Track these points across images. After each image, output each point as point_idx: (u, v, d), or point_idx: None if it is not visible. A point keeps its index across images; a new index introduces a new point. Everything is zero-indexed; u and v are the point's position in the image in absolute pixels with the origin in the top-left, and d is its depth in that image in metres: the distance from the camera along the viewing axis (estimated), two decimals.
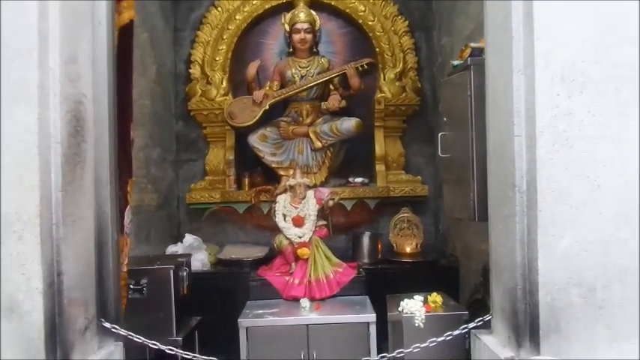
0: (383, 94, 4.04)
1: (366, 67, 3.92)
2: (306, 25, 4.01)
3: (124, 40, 1.94)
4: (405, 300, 2.44)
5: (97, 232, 1.77)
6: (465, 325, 1.93)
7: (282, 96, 3.95)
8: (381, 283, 3.29)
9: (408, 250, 3.65)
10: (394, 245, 3.74)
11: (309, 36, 4.02)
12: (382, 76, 4.11)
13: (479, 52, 2.29)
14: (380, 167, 4.00)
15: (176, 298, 2.78)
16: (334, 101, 3.90)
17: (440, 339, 1.92)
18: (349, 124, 3.80)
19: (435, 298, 2.49)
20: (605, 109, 1.64)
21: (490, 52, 1.92)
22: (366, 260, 3.61)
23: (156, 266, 2.80)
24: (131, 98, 2.06)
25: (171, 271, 2.76)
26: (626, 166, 1.64)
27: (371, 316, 2.79)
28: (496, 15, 1.85)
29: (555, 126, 1.62)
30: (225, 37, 4.21)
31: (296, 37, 4.04)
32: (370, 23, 4.16)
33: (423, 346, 1.92)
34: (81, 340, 1.66)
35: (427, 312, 2.37)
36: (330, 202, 3.53)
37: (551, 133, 1.62)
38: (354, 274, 3.26)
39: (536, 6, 1.64)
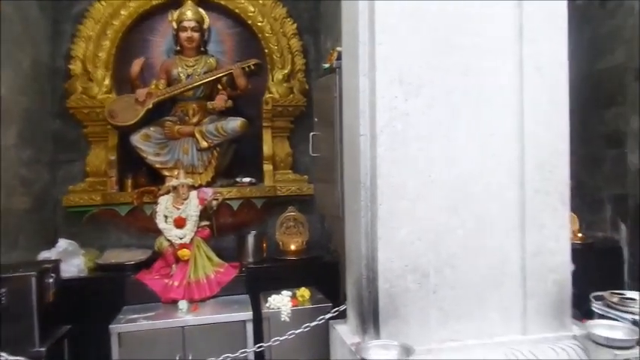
0: (271, 95, 4.08)
1: (252, 67, 3.94)
2: (193, 24, 3.95)
3: None
4: (273, 296, 2.49)
5: None
6: (322, 316, 2.01)
7: (167, 95, 3.86)
8: (264, 281, 3.32)
9: (293, 247, 3.72)
10: (280, 244, 3.79)
11: (196, 34, 3.96)
12: (271, 77, 4.16)
13: None
14: (267, 167, 4.04)
15: (39, 306, 2.63)
16: (220, 101, 3.88)
17: (298, 331, 1.98)
18: (235, 124, 3.80)
19: (303, 292, 2.57)
20: (438, 110, 1.80)
21: (344, 56, 2.03)
22: (250, 259, 3.62)
23: (15, 274, 2.61)
24: None
25: (34, 279, 2.60)
26: (456, 162, 1.81)
27: (247, 314, 2.81)
28: (348, 20, 1.96)
29: (394, 126, 1.75)
30: (109, 32, 4.03)
31: (183, 35, 3.97)
32: (259, 24, 4.19)
33: (282, 339, 1.97)
34: None
35: (293, 306, 2.43)
36: (214, 202, 3.51)
37: (389, 133, 1.75)
38: (235, 273, 3.26)
39: (378, 13, 1.76)
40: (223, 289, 3.22)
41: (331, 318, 2.04)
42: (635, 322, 2.59)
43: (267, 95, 4.09)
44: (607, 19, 4.25)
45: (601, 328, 1.85)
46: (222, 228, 3.77)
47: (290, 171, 4.15)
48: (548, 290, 1.86)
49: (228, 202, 3.81)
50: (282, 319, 2.36)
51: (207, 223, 3.45)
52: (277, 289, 3.00)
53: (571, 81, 4.63)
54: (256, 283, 3.32)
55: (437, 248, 1.79)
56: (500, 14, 1.85)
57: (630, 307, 2.68)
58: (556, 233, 1.87)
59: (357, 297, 1.86)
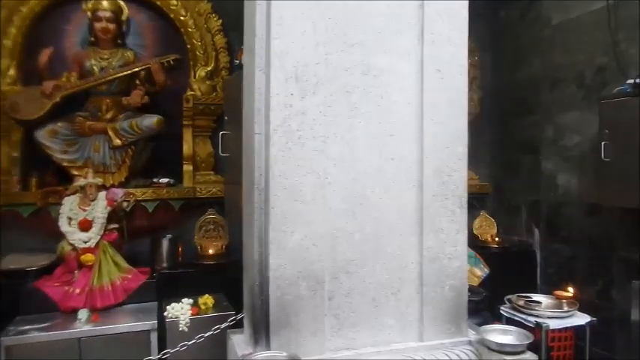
0: (192, 92, 3.92)
1: (172, 62, 3.76)
2: (108, 14, 3.72)
3: None
4: (172, 304, 2.34)
5: None
6: (218, 326, 1.90)
7: (77, 88, 3.60)
8: (177, 287, 3.15)
9: (211, 252, 3.57)
10: (199, 248, 3.63)
11: (112, 26, 3.73)
12: (193, 73, 4.00)
13: None
14: (187, 167, 3.87)
15: None
16: (136, 96, 3.67)
17: (191, 342, 1.86)
18: (150, 121, 3.60)
19: (206, 300, 2.44)
20: (336, 110, 1.73)
21: (244, 52, 1.93)
22: (165, 264, 3.44)
23: None
24: None
25: None
26: (354, 164, 1.75)
27: (152, 324, 2.64)
28: (247, 15, 1.86)
29: (289, 125, 1.67)
30: (15, 19, 3.72)
31: (98, 25, 3.72)
32: (182, 19, 4.01)
33: (172, 351, 1.83)
34: None
35: (194, 315, 2.30)
36: (125, 204, 3.31)
37: (284, 132, 1.66)
38: (143, 279, 3.08)
39: (274, 7, 1.67)
40: (131, 296, 3.03)
41: (231, 327, 1.93)
42: (537, 325, 2.66)
43: (189, 93, 3.92)
44: (526, 30, 4.41)
45: (494, 333, 1.85)
46: (136, 231, 3.56)
47: (212, 172, 3.99)
48: (445, 296, 1.84)
49: (143, 203, 3.60)
50: (180, 329, 2.22)
51: (115, 225, 3.24)
52: (191, 296, 2.85)
53: (494, 90, 4.79)
54: (168, 289, 3.15)
55: (333, 253, 1.73)
56: (403, 14, 1.82)
57: (534, 309, 2.76)
58: (454, 238, 1.86)
59: (251, 305, 1.76)
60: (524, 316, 2.73)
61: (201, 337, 1.87)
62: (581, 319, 2.73)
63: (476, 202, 4.66)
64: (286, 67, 1.66)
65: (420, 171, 1.81)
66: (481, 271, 3.74)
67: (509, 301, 2.94)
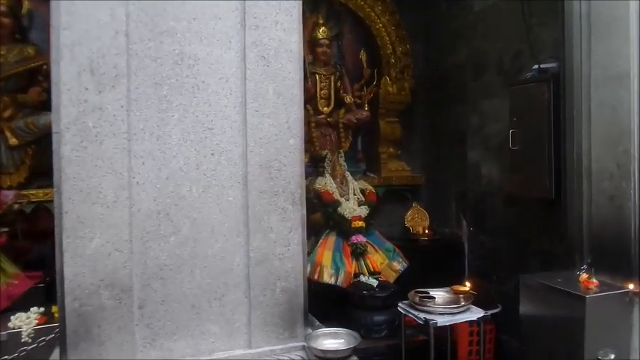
0: None
1: None
2: (2, 8, 3.54)
3: None
4: (18, 313, 2.21)
5: None
6: (43, 338, 1.76)
7: None
8: None
9: None
10: None
11: (6, 20, 3.55)
12: None
13: None
14: None
15: None
16: (33, 94, 3.51)
17: (12, 357, 1.72)
18: (47, 119, 3.43)
19: None
20: (143, 104, 1.60)
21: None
22: None
23: None
24: None
25: None
26: (168, 162, 1.62)
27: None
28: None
29: (83, 122, 1.53)
30: None
31: None
32: None
33: None
34: None
35: (40, 324, 2.18)
36: (16, 206, 3.15)
37: (78, 130, 1.53)
38: (30, 284, 2.93)
39: None
40: (18, 302, 2.89)
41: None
42: (426, 321, 2.56)
43: None
44: (452, 17, 4.29)
45: (324, 337, 1.73)
46: (43, 233, 3.40)
47: None
48: (277, 299, 1.72)
49: (47, 205, 3.45)
50: (23, 340, 2.09)
51: (4, 229, 3.09)
52: None
53: (426, 79, 4.66)
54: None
55: (143, 259, 1.60)
56: None
57: (427, 306, 2.65)
58: (286, 237, 1.74)
59: (62, 318, 1.63)
60: (416, 313, 2.63)
61: (23, 350, 1.74)
62: (475, 314, 2.63)
63: (408, 194, 4.56)
64: (79, 60, 1.52)
65: (244, 166, 1.69)
66: (399, 265, 3.64)
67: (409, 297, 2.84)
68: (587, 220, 2.60)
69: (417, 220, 4.48)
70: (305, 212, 1.80)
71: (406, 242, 4.32)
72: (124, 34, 1.57)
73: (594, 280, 2.31)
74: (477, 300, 3.29)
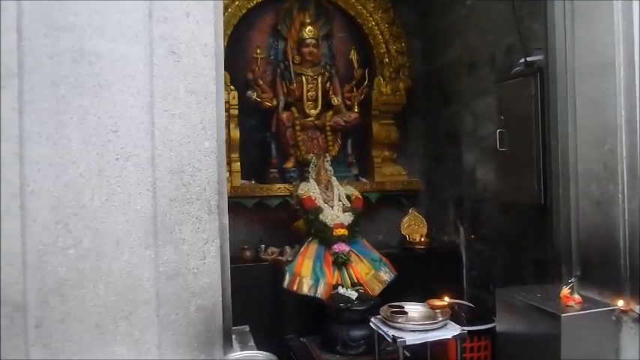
0: None
1: None
2: None
3: None
4: None
5: None
6: None
7: None
8: None
9: None
10: None
11: None
12: None
13: None
14: None
15: None
16: None
17: None
18: None
19: None
20: (38, 105, 1.47)
21: None
22: None
23: None
24: None
25: None
26: (66, 168, 1.49)
27: None
28: None
29: None
30: None
31: None
32: None
33: None
34: None
35: None
36: None
37: None
38: None
39: None
40: None
41: None
42: (394, 339, 2.35)
43: None
44: (447, 12, 4.06)
45: None
46: None
47: None
48: (191, 319, 1.56)
49: None
50: None
51: None
52: None
53: (423, 78, 4.44)
54: None
55: (40, 274, 1.47)
56: None
57: (397, 322, 2.44)
58: (201, 250, 1.58)
59: None
60: (386, 329, 2.42)
61: None
62: (450, 331, 2.39)
63: (404, 200, 4.33)
64: None
65: (153, 172, 1.54)
66: (386, 276, 3.42)
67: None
68: (575, 228, 2.34)
69: (414, 227, 4.24)
70: (227, 221, 1.65)
71: (401, 251, 4.10)
72: (14, 30, 1.45)
73: (576, 296, 2.05)
74: (473, 314, 3.07)
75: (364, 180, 4.17)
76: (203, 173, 1.58)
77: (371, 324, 2.58)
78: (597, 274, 2.19)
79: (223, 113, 1.65)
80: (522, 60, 2.83)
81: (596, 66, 2.17)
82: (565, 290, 2.09)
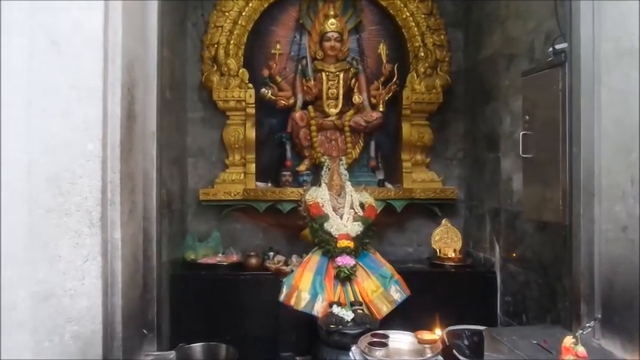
0: None
1: None
2: None
3: None
4: None
5: None
6: None
7: None
8: None
9: None
10: None
11: None
12: None
13: None
14: None
15: None
16: None
17: None
18: None
19: None
20: None
21: None
22: None
23: None
24: None
25: None
26: None
27: None
28: None
29: None
30: None
31: None
32: None
33: None
34: None
35: None
36: None
37: None
38: None
39: None
40: None
41: None
42: None
43: None
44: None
45: None
46: None
47: None
48: (66, 348, 1.37)
49: None
50: None
51: None
52: None
53: (460, 73, 3.95)
54: None
55: None
56: None
57: (373, 356, 2.10)
58: (80, 268, 1.37)
59: None
60: None
61: None
62: None
63: (438, 210, 3.87)
64: None
65: (28, 180, 1.36)
66: (397, 295, 3.02)
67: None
68: (598, 258, 1.84)
69: (447, 240, 3.78)
70: (119, 236, 1.43)
71: (429, 266, 3.66)
72: None
73: (580, 350, 1.57)
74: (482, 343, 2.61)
75: (389, 186, 3.79)
76: (85, 180, 1.38)
77: (350, 354, 2.25)
78: (620, 320, 1.69)
79: (120, 112, 1.44)
80: (551, 48, 2.33)
81: (625, 51, 1.67)
82: (568, 340, 1.62)
